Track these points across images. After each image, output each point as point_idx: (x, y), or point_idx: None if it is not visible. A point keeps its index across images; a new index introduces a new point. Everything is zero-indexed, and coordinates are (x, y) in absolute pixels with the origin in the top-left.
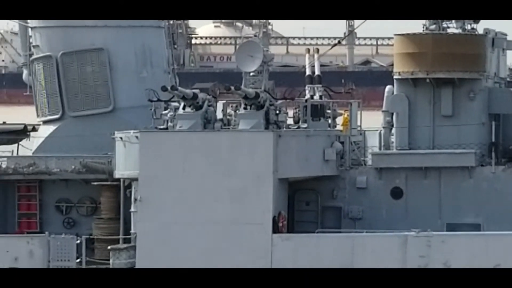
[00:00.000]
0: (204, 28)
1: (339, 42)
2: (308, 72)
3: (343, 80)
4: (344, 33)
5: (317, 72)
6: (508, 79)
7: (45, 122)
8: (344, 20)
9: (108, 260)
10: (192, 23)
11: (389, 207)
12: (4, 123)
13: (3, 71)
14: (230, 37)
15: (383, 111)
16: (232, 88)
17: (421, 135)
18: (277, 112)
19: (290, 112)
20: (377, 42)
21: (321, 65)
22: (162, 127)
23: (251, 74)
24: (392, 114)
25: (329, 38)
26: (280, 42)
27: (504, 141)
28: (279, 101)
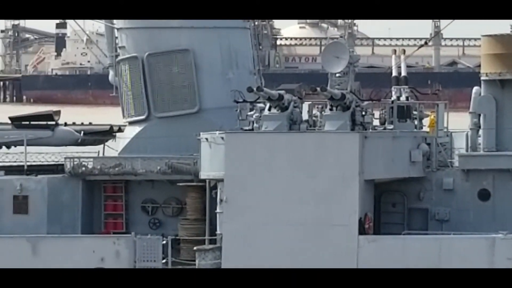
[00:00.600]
0: (289, 29)
1: (425, 43)
2: (394, 73)
3: (429, 81)
4: (430, 34)
5: (403, 73)
6: None
7: (131, 123)
8: (430, 21)
9: (194, 260)
10: (277, 24)
11: (476, 209)
12: (90, 124)
13: (88, 72)
14: (315, 38)
15: (470, 113)
16: (318, 89)
17: (508, 137)
18: (363, 113)
19: (376, 114)
20: (463, 43)
21: (407, 66)
22: (247, 128)
23: (337, 75)
24: (479, 115)
25: (415, 39)
26: (365, 43)
27: None
28: (365, 102)
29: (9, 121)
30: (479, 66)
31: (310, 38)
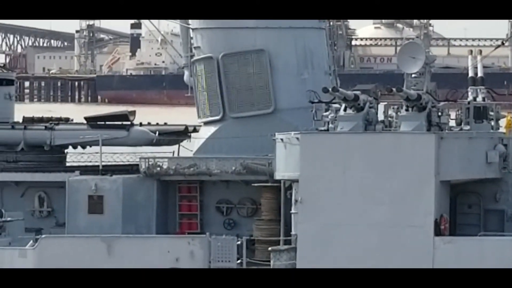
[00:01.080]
0: (364, 30)
1: (502, 43)
2: (470, 73)
3: (505, 82)
4: (507, 34)
5: (480, 74)
6: None
7: (206, 123)
8: (507, 21)
9: (269, 261)
10: (352, 24)
11: None
12: (165, 124)
13: (163, 72)
14: (391, 38)
15: None
16: (394, 89)
17: None
18: (439, 114)
19: (453, 114)
20: None
21: (484, 67)
22: (323, 128)
23: (413, 75)
24: None
25: (491, 39)
26: (441, 43)
27: None
28: (441, 103)
29: (85, 121)
30: None
31: (385, 39)
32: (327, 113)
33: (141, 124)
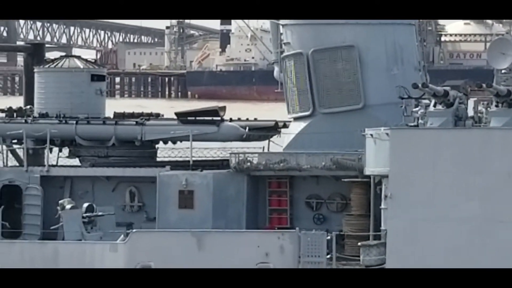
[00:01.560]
0: (454, 26)
1: None
2: None
3: None
4: None
5: None
6: None
7: (295, 119)
8: None
9: (358, 256)
10: (441, 20)
11: None
12: (255, 119)
13: (253, 68)
14: (480, 34)
15: None
16: (484, 85)
17: None
18: None
19: None
20: None
21: None
22: (412, 124)
23: (503, 71)
24: None
25: None
26: None
27: None
28: None
29: (175, 117)
30: None
31: (475, 35)
32: (417, 108)
33: (231, 120)
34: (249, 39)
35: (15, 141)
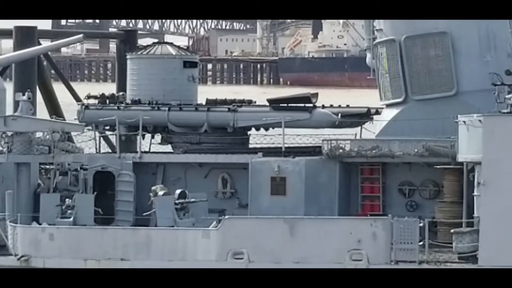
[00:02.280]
0: None
1: None
2: None
3: None
4: None
5: None
6: None
7: (388, 106)
8: None
9: (451, 243)
10: None
11: None
12: (347, 106)
13: (345, 55)
14: None
15: None
16: None
17: None
18: None
19: None
20: None
21: None
22: (505, 111)
23: None
24: None
25: None
26: None
27: None
28: None
29: (267, 103)
30: None
31: None
32: (510, 95)
33: (323, 106)
34: (341, 26)
35: (107, 127)
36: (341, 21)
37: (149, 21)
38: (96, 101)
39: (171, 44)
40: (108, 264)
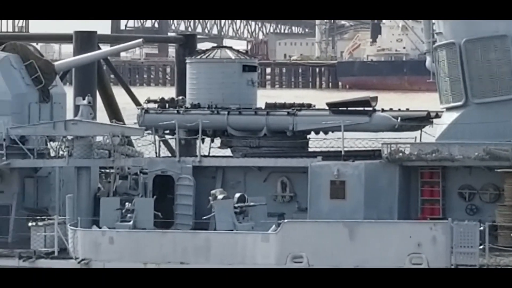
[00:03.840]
0: None
1: None
2: None
3: None
4: None
5: None
6: None
7: (448, 109)
8: None
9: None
10: None
11: None
12: (407, 109)
13: (404, 58)
14: None
15: None
16: None
17: None
18: None
19: None
20: None
21: None
22: None
23: None
24: None
25: None
26: None
27: None
28: None
29: (326, 107)
30: None
31: None
32: None
33: (383, 110)
34: (400, 29)
35: (167, 131)
36: (400, 24)
37: (208, 25)
38: (155, 105)
39: (230, 48)
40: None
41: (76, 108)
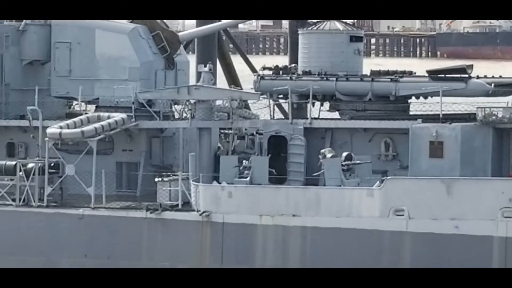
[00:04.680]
0: None
1: None
2: None
3: None
4: None
5: None
6: None
7: None
8: None
9: None
10: None
11: None
12: (500, 76)
13: (497, 30)
14: None
15: None
16: None
17: None
18: None
19: None
20: None
21: None
22: None
23: None
24: None
25: None
26: None
27: None
28: None
29: (426, 74)
30: None
31: None
32: None
33: (478, 77)
34: None
35: (281, 96)
36: None
37: None
38: (270, 72)
39: (338, 20)
40: (281, 220)
41: (198, 74)
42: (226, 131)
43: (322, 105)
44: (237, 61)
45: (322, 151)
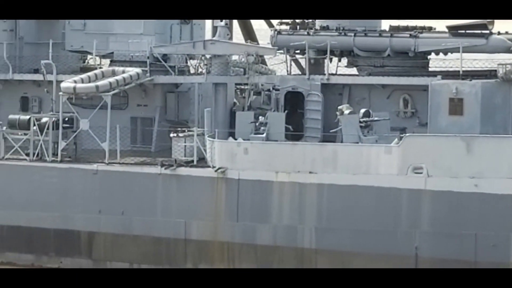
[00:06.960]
0: None
1: None
2: None
3: None
4: None
5: None
6: None
7: None
8: None
9: None
10: None
11: None
12: None
13: None
14: None
15: None
16: None
17: None
18: None
19: None
20: None
21: None
22: None
23: None
24: None
25: None
26: None
27: None
28: None
29: (446, 30)
30: None
31: None
32: None
33: (499, 33)
34: None
35: (298, 51)
36: None
37: None
38: (287, 27)
39: None
40: (297, 177)
41: (214, 29)
42: (242, 87)
43: (339, 60)
44: None
45: (339, 107)
